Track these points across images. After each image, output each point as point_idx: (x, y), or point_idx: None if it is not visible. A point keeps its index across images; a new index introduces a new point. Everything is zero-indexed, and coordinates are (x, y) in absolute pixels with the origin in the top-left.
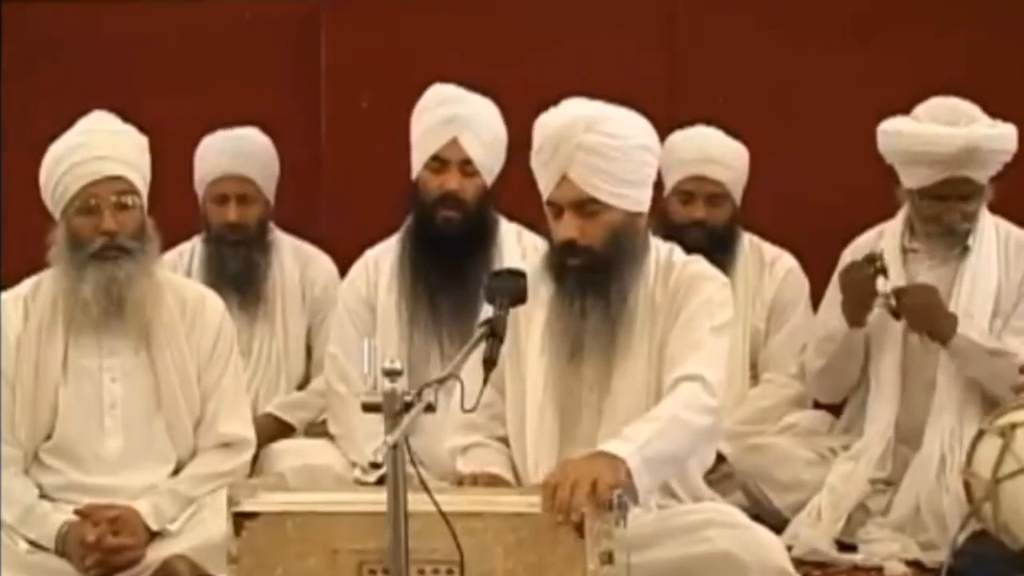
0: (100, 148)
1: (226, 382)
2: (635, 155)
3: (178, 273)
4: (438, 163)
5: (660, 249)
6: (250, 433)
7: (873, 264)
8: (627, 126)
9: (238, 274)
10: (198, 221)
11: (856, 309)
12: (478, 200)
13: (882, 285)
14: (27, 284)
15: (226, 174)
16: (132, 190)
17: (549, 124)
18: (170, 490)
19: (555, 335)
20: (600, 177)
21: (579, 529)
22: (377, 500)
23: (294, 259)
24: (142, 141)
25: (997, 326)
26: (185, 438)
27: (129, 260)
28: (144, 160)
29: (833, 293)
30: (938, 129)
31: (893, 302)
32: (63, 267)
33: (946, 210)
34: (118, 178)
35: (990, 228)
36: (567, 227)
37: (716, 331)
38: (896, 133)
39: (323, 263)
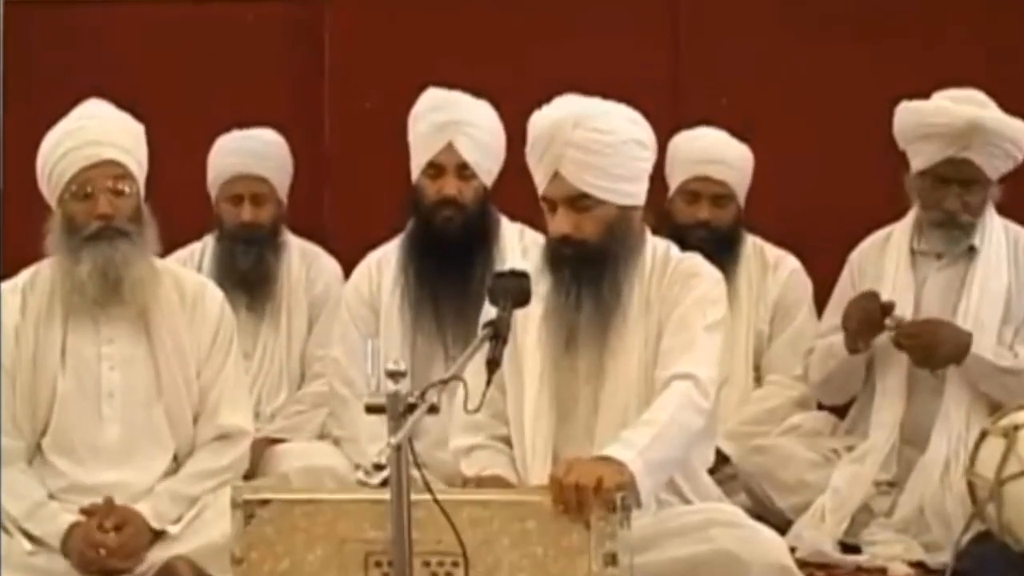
0: (95, 133)
1: (228, 372)
2: (626, 150)
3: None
4: (435, 169)
5: (657, 245)
6: (249, 424)
7: (884, 311)
8: (617, 121)
9: (249, 273)
10: (200, 220)
11: (856, 341)
12: (478, 202)
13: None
14: (25, 274)
15: (240, 174)
16: (127, 174)
17: (540, 122)
18: (169, 491)
19: (551, 326)
20: (591, 173)
21: (585, 522)
22: (385, 492)
23: (301, 260)
24: (138, 129)
25: (1007, 334)
26: (185, 427)
27: (125, 241)
28: (140, 147)
29: (838, 298)
30: (947, 104)
31: (893, 330)
32: (60, 252)
33: (947, 195)
34: (113, 163)
35: (999, 230)
36: (561, 222)
37: (709, 329)
38: (908, 110)
39: (327, 263)
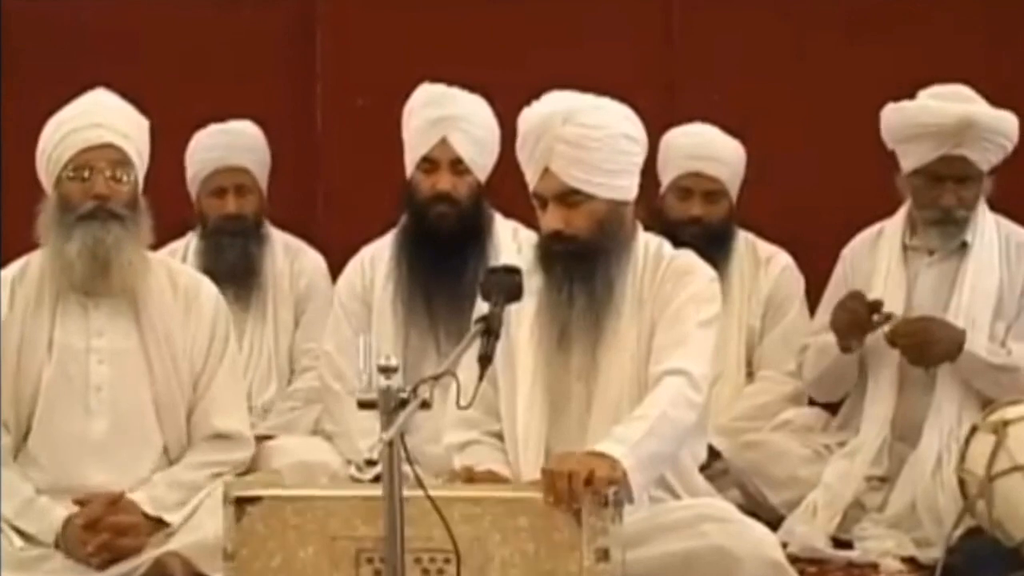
0: (98, 117)
1: (223, 374)
2: (615, 144)
3: None
4: (429, 164)
5: (650, 242)
6: (247, 429)
7: (873, 311)
8: (606, 116)
9: (235, 265)
10: (193, 217)
11: (847, 341)
12: (471, 198)
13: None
14: (14, 266)
15: (222, 167)
16: (127, 160)
17: (530, 118)
18: (166, 479)
19: (543, 322)
20: (580, 168)
21: (577, 516)
22: (377, 489)
23: (284, 254)
24: (142, 120)
25: (999, 329)
26: (176, 422)
27: (119, 225)
28: (143, 137)
29: (831, 295)
30: (936, 102)
31: (887, 328)
32: (51, 232)
33: (942, 193)
34: (113, 147)
35: (991, 226)
36: (552, 218)
37: (703, 325)
38: (896, 109)
39: (311, 258)
